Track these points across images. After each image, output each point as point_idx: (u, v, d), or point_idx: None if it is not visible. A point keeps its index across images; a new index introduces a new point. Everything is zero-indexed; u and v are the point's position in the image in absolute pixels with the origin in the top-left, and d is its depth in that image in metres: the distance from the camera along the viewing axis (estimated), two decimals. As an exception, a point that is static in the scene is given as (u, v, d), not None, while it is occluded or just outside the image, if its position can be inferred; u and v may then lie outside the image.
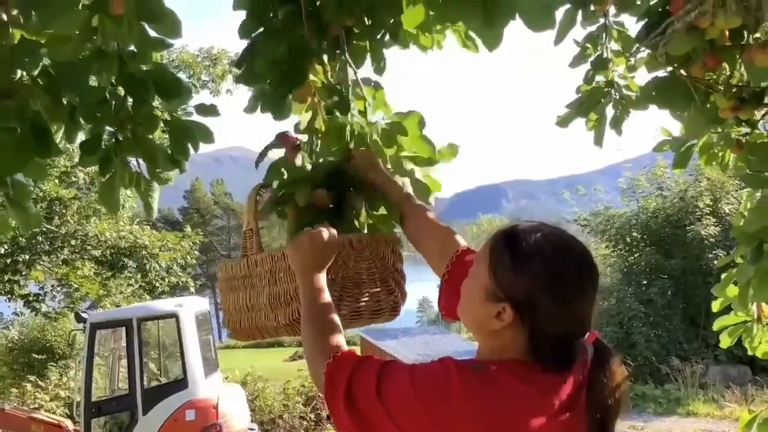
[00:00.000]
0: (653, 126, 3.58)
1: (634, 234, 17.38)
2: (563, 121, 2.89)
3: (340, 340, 1.53)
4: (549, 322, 1.32)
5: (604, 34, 2.74)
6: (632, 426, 12.39)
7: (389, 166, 2.19)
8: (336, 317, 1.61)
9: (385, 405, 1.30)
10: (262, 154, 2.23)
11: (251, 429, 9.55)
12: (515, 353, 1.35)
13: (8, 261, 12.97)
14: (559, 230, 1.42)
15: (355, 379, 1.37)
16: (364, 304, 1.92)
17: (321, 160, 2.24)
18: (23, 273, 13.41)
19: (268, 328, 1.89)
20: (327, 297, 1.65)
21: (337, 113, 2.21)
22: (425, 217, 1.95)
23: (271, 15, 2.26)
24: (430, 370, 1.32)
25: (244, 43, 2.33)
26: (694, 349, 15.36)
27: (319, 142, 2.30)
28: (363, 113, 2.27)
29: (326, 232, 1.74)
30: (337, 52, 2.29)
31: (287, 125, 2.33)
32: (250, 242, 1.97)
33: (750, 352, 3.21)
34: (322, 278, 1.69)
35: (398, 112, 2.26)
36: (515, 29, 1.92)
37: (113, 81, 2.22)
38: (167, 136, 2.36)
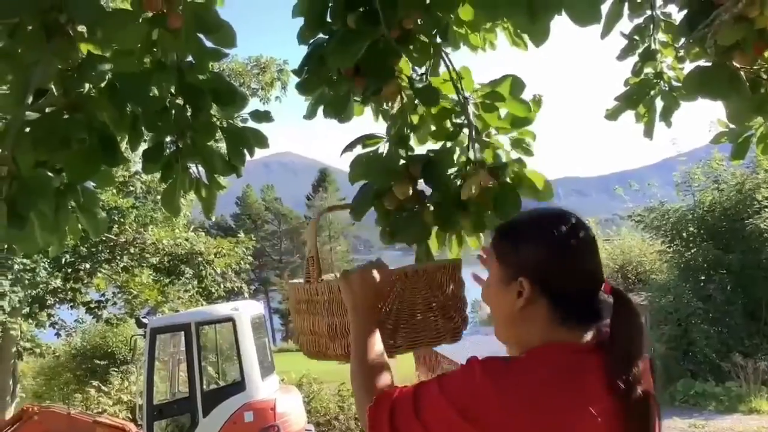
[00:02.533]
0: (707, 118, 3.53)
1: (691, 229, 17.00)
2: (612, 114, 2.88)
3: (385, 380, 1.54)
4: (564, 281, 1.39)
5: (651, 26, 2.73)
6: (693, 424, 12.14)
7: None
8: (383, 357, 1.62)
9: (425, 424, 1.34)
10: (349, 148, 2.32)
11: (308, 430, 9.67)
12: (543, 330, 1.39)
13: (69, 270, 13.36)
14: (543, 207, 1.53)
15: (397, 412, 1.40)
16: (421, 333, 1.91)
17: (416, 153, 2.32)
18: (84, 281, 13.81)
19: (329, 355, 1.89)
20: (376, 337, 1.64)
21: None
22: None
23: (330, 20, 2.32)
24: (455, 374, 1.37)
25: (285, 51, 2.40)
26: (756, 345, 14.94)
27: (412, 134, 2.37)
28: (459, 92, 2.34)
29: (377, 270, 1.73)
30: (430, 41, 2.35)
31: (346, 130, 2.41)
32: (312, 269, 1.96)
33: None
34: (372, 316, 1.68)
35: (494, 80, 2.33)
36: (562, 23, 1.96)
37: (172, 91, 2.32)
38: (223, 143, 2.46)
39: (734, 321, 15.45)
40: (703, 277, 16.28)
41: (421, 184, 2.34)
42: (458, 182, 2.32)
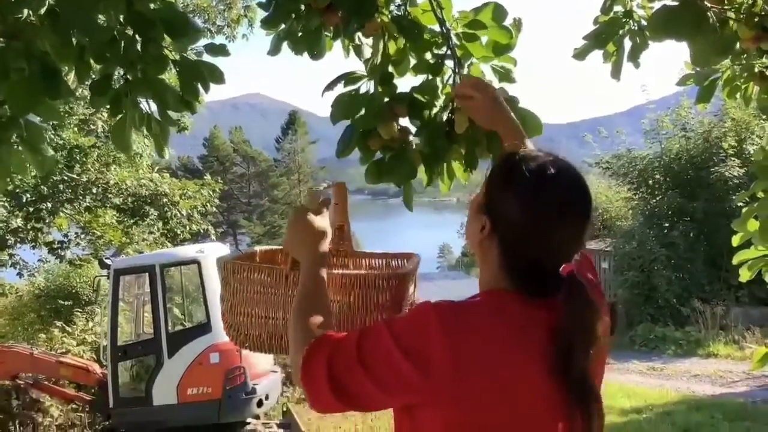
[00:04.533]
0: (679, 65, 3.47)
1: (657, 176, 17.20)
2: (580, 54, 2.82)
3: (327, 324, 1.42)
4: (519, 242, 1.33)
5: (623, -37, 2.65)
6: (651, 367, 12.49)
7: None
8: (329, 304, 1.52)
9: (366, 366, 1.26)
10: (329, 87, 2.23)
11: (273, 371, 9.74)
12: (494, 272, 1.36)
13: (31, 209, 13.13)
14: (562, 161, 1.39)
15: (337, 357, 1.30)
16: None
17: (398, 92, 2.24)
18: (46, 221, 13.59)
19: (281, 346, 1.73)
20: (324, 282, 1.53)
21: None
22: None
23: None
24: (405, 315, 1.32)
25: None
26: (716, 291, 15.32)
27: (394, 70, 2.30)
28: (441, 22, 2.27)
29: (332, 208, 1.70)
30: None
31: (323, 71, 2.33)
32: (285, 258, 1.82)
33: (769, 287, 3.19)
34: (324, 259, 1.58)
35: (475, 8, 2.25)
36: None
37: (121, 20, 2.19)
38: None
39: (696, 267, 15.79)
40: (667, 225, 16.55)
41: (405, 121, 2.30)
42: (444, 116, 2.27)
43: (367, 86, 2.27)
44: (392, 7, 2.36)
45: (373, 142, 2.22)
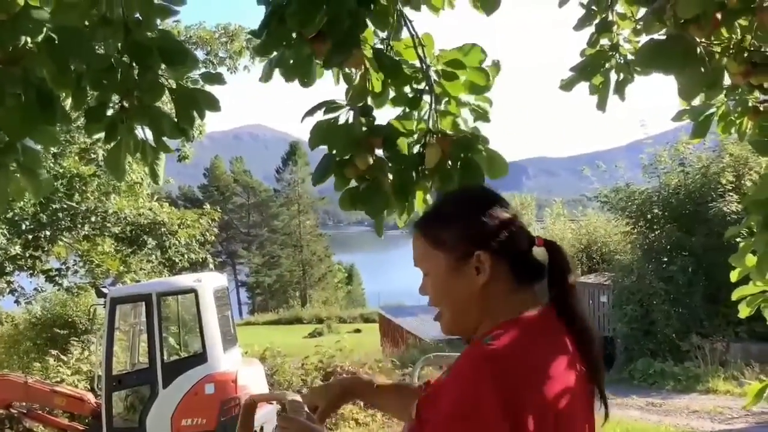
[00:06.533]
0: (677, 101, 3.50)
1: (656, 211, 17.19)
2: (567, 85, 2.85)
3: None
4: (513, 240, 1.41)
5: (609, -4, 2.69)
6: (650, 402, 12.36)
7: None
8: None
9: None
10: (309, 113, 2.31)
11: (269, 402, 9.64)
12: (506, 300, 1.39)
13: (30, 237, 13.12)
14: (451, 190, 1.64)
15: None
16: None
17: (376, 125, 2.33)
18: (45, 249, 13.58)
19: None
20: None
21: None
22: None
23: None
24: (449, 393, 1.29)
25: (255, 20, 2.34)
26: (715, 326, 15.20)
27: (373, 103, 2.36)
28: (422, 59, 2.34)
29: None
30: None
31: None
32: None
33: (768, 323, 3.17)
34: None
35: (456, 47, 2.33)
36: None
37: (119, 49, 2.21)
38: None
39: (695, 302, 15.69)
40: (665, 259, 16.49)
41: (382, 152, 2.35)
42: (416, 150, 2.31)
43: (346, 115, 2.33)
44: (375, 40, 2.41)
45: (349, 171, 2.28)
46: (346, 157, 2.30)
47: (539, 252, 1.42)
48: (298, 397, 1.67)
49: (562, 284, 1.40)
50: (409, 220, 2.36)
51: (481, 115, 2.35)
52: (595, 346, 1.41)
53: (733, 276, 3.12)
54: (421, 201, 2.34)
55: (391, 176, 2.34)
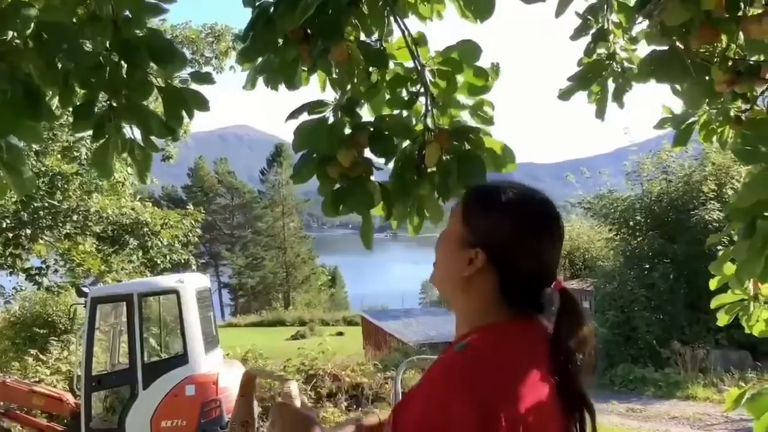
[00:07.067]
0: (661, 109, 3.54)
1: (638, 218, 17.33)
2: (565, 94, 2.86)
3: None
4: (518, 262, 1.36)
5: (605, 6, 2.70)
6: (631, 408, 12.43)
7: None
8: None
9: None
10: (293, 116, 2.27)
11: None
12: (487, 305, 1.37)
13: (10, 235, 12.99)
14: (522, 184, 1.45)
15: None
16: None
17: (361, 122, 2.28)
18: (25, 247, 13.44)
19: None
20: None
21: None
22: None
23: None
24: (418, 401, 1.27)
25: (242, 20, 2.33)
26: (696, 333, 15.34)
27: (366, 104, 2.33)
28: (415, 58, 2.31)
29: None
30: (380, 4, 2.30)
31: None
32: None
33: (747, 331, 3.20)
34: None
35: (449, 46, 2.29)
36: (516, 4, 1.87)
37: (107, 46, 2.20)
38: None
39: (675, 309, 15.83)
40: (647, 266, 16.62)
41: (367, 152, 2.31)
42: (416, 151, 2.28)
43: (330, 115, 2.30)
44: (368, 41, 2.38)
45: (332, 169, 2.23)
46: (329, 156, 2.25)
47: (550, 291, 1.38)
48: (294, 385, 1.64)
49: (568, 338, 1.33)
50: (416, 227, 2.35)
51: (483, 118, 2.32)
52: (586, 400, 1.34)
53: (712, 284, 3.15)
54: (430, 207, 2.31)
55: (391, 179, 2.32)
